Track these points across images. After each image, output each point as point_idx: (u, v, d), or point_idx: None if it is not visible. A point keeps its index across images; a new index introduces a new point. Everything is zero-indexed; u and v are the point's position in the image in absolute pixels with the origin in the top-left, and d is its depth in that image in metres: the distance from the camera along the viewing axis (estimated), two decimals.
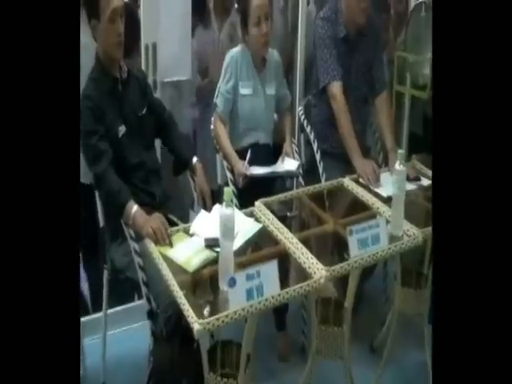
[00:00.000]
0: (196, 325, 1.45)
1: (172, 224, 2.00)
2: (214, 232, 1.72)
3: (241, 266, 1.68)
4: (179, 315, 1.66)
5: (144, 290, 1.91)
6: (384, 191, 2.18)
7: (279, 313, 2.42)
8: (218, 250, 1.69)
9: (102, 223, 2.09)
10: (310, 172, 2.54)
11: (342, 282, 1.90)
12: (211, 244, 1.78)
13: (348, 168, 2.35)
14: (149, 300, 1.90)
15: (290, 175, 2.44)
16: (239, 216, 1.88)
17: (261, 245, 1.90)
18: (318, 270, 1.69)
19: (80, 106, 1.55)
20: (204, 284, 1.71)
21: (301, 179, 2.44)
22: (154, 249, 1.80)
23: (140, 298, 2.12)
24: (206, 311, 1.54)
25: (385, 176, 2.28)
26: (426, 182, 2.24)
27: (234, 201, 2.28)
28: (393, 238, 1.86)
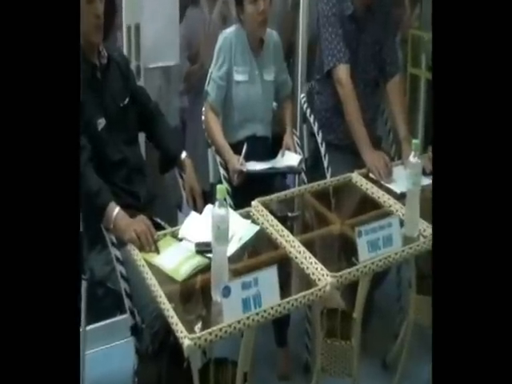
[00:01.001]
0: (186, 340, 1.46)
1: (158, 228, 2.01)
2: (206, 236, 1.72)
3: (236, 273, 1.69)
4: (167, 330, 1.66)
5: (127, 302, 1.92)
6: (397, 187, 2.18)
7: (280, 326, 2.42)
8: (210, 255, 1.70)
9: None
10: (313, 167, 2.56)
11: (350, 289, 1.91)
12: (203, 249, 1.79)
13: (357, 161, 2.35)
14: (133, 314, 1.91)
15: (291, 171, 2.45)
16: (234, 217, 1.88)
17: (258, 249, 1.92)
18: (323, 277, 1.70)
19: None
20: (195, 294, 1.73)
21: (303, 175, 2.44)
22: (138, 256, 1.80)
23: (123, 311, 2.12)
24: (197, 325, 1.55)
25: (398, 170, 2.29)
26: None
27: (229, 200, 2.29)
28: (407, 240, 1.86)
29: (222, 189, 1.61)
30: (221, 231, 1.60)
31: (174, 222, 2.23)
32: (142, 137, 2.34)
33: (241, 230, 1.88)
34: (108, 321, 2.58)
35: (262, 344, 2.05)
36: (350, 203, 2.23)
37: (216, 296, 1.60)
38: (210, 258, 1.70)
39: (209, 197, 2.26)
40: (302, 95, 2.74)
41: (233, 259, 1.74)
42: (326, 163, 2.51)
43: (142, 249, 1.83)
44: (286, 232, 1.88)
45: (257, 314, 1.53)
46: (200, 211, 2.02)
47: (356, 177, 2.25)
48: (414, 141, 1.91)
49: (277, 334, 2.47)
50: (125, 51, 2.41)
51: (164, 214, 2.19)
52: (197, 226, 1.90)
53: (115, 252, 1.93)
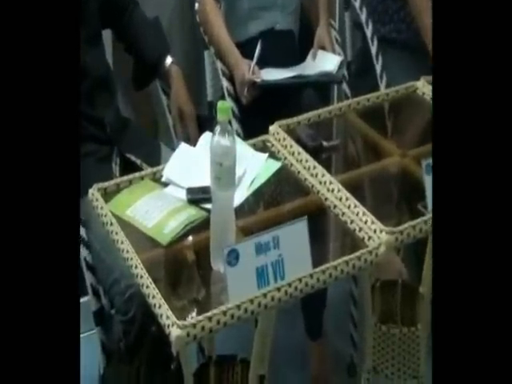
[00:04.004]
0: (174, 329, 1.44)
1: (132, 167, 2.06)
2: (202, 178, 1.74)
3: (247, 231, 1.69)
4: (147, 316, 1.70)
5: (88, 277, 1.94)
6: None
7: (312, 308, 2.45)
8: (208, 206, 1.71)
9: None
10: (360, 73, 2.58)
11: (415, 253, 1.93)
12: (197, 197, 1.79)
13: (423, 64, 2.29)
14: (97, 294, 1.93)
15: (326, 80, 2.46)
16: (243, 150, 1.89)
17: (279, 196, 1.92)
18: (374, 234, 1.68)
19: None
20: (186, 263, 1.73)
21: (345, 86, 2.45)
22: (103, 208, 1.78)
23: (83, 292, 2.06)
24: (190, 308, 1.58)
25: None
26: None
27: (235, 126, 2.31)
28: None
29: (225, 108, 1.58)
30: (224, 170, 1.58)
31: (154, 159, 2.22)
32: (107, 36, 2.39)
33: (253, 167, 1.89)
34: None
35: (285, 335, 2.10)
36: (415, 125, 2.20)
37: (217, 265, 1.61)
38: (207, 211, 1.71)
39: (206, 123, 2.28)
40: None
41: (242, 211, 1.76)
42: (378, 68, 2.54)
43: None
44: (319, 169, 1.87)
45: (278, 289, 1.51)
46: (193, 143, 2.02)
47: (423, 86, 2.21)
48: None
49: (308, 321, 2.49)
50: None
51: (140, 149, 2.21)
52: (188, 163, 1.91)
53: None
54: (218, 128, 1.57)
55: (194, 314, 1.53)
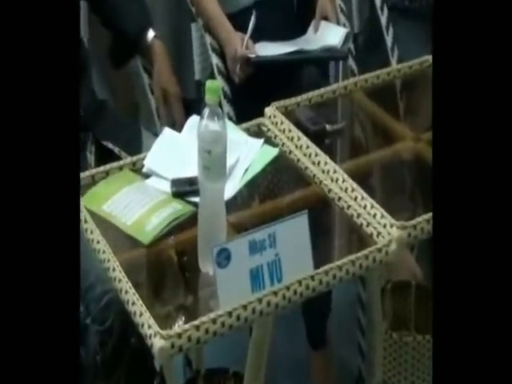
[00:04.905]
0: (157, 340, 1.44)
1: (110, 156, 2.09)
2: (189, 167, 1.75)
3: (240, 227, 1.70)
4: (126, 326, 1.71)
5: None
6: None
7: (314, 314, 2.45)
8: (195, 199, 1.71)
9: None
10: (369, 47, 2.60)
11: (431, 251, 1.90)
12: (183, 190, 1.80)
13: None
14: None
15: (330, 55, 2.47)
16: (236, 135, 1.90)
17: (277, 187, 1.92)
18: (384, 229, 1.68)
19: None
20: (171, 265, 1.74)
21: (351, 62, 2.47)
22: None
23: None
24: (175, 316, 1.58)
25: None
26: None
27: (226, 108, 2.32)
28: None
29: (214, 87, 1.57)
30: (214, 158, 1.58)
31: (134, 146, 2.23)
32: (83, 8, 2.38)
33: (247, 155, 1.90)
34: None
35: (284, 345, 2.08)
36: (429, 105, 2.17)
37: (206, 266, 1.61)
38: (195, 205, 1.71)
39: (193, 105, 2.31)
40: None
41: (234, 205, 1.77)
42: (389, 40, 2.56)
43: None
44: (322, 157, 1.87)
45: (274, 293, 1.51)
46: (179, 128, 2.02)
47: None
48: None
49: (310, 329, 2.50)
50: None
51: (118, 135, 2.22)
52: (173, 151, 1.93)
53: None
54: (206, 111, 1.56)
55: (179, 322, 1.53)
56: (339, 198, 1.78)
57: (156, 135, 2.05)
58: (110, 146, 2.16)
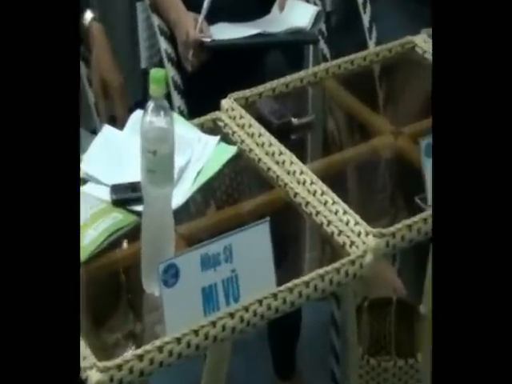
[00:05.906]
0: (94, 373, 1.44)
1: None
2: (131, 171, 1.77)
3: (190, 239, 1.72)
4: None
5: None
6: None
7: (281, 340, 2.48)
8: (138, 208, 1.73)
9: None
10: (343, 27, 2.64)
11: (414, 263, 1.98)
12: (125, 197, 1.82)
13: (424, 14, 2.25)
14: None
15: (298, 39, 2.50)
16: (187, 132, 1.94)
17: (235, 191, 1.95)
18: (359, 238, 1.70)
19: None
20: (111, 285, 1.75)
21: (323, 45, 2.47)
22: None
23: None
24: (115, 345, 1.59)
25: None
26: None
27: (177, 102, 2.37)
28: None
29: (160, 77, 1.58)
30: (159, 160, 1.58)
31: None
32: None
33: (200, 155, 1.93)
34: None
35: (245, 375, 2.14)
36: (413, 94, 2.23)
37: (151, 286, 1.62)
38: (138, 214, 1.73)
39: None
40: None
41: (184, 213, 1.80)
42: (366, 20, 2.64)
43: None
44: (287, 156, 1.88)
45: (231, 315, 1.51)
46: (120, 124, 2.05)
47: (424, 42, 2.26)
48: None
49: (276, 355, 2.52)
50: None
51: None
52: (113, 152, 1.94)
53: None
54: (150, 104, 1.56)
55: (120, 352, 1.52)
56: (307, 203, 1.78)
57: (94, 133, 2.07)
58: None
